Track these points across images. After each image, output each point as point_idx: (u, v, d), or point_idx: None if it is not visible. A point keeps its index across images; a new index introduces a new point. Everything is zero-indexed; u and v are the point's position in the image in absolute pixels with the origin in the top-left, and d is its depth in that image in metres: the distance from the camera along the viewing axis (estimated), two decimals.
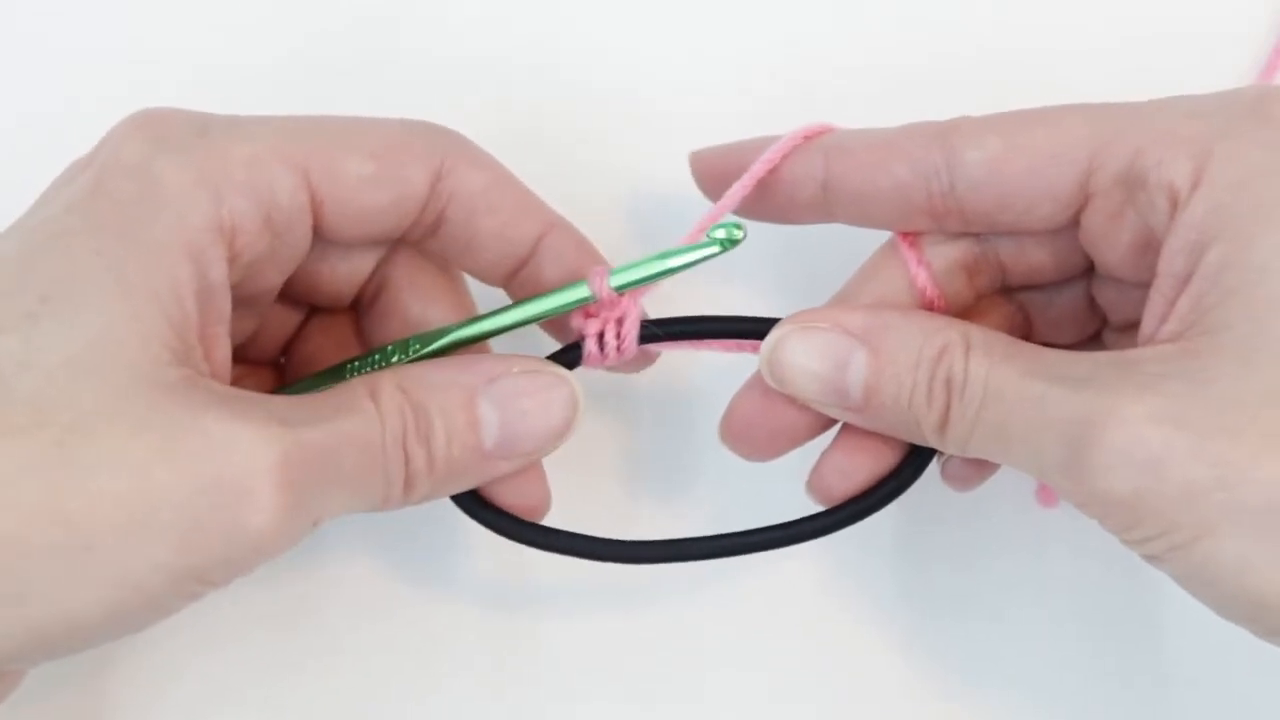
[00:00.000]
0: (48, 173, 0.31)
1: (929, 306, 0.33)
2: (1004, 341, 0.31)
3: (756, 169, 0.33)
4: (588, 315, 0.33)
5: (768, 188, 0.33)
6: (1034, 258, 0.33)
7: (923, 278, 0.33)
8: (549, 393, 0.32)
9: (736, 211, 0.33)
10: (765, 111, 0.38)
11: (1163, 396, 0.27)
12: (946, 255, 0.33)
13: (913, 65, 0.41)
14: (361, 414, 0.30)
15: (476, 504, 0.33)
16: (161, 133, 0.29)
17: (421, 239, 0.33)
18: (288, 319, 0.35)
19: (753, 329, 0.33)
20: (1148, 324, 0.30)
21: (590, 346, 0.33)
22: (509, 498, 0.33)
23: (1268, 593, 0.27)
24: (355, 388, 0.30)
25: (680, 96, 0.40)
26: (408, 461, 0.30)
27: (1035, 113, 0.31)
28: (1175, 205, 0.29)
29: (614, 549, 0.34)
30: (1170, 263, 0.29)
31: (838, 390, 0.32)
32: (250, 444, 0.27)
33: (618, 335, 0.33)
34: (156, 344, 0.28)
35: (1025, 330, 0.35)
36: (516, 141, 0.35)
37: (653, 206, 0.39)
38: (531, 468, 0.33)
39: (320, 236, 0.32)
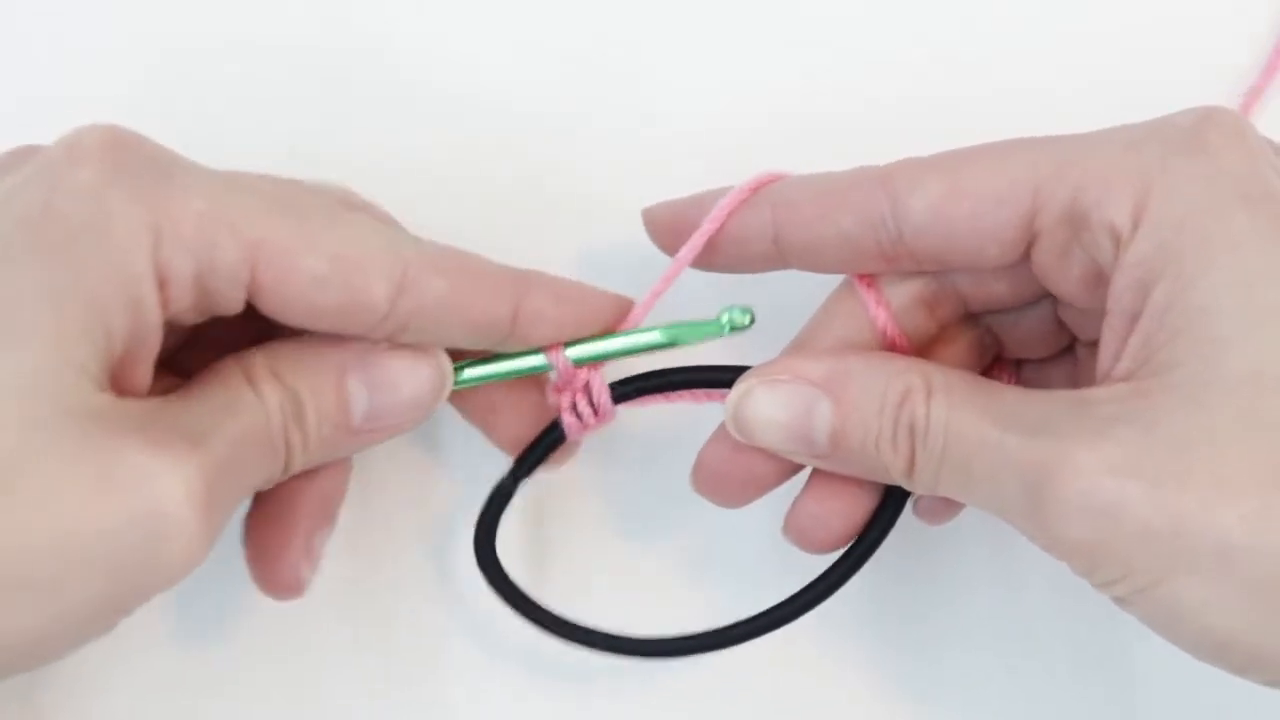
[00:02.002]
0: None
1: (890, 345, 0.33)
2: (965, 384, 0.31)
3: (706, 227, 0.33)
4: (557, 390, 0.34)
5: (720, 243, 0.33)
6: (993, 289, 0.33)
7: (882, 318, 0.33)
8: (416, 368, 0.32)
9: (693, 266, 0.34)
10: (736, 144, 0.39)
11: (1115, 443, 0.27)
12: (905, 293, 0.33)
13: (876, 103, 0.41)
14: (249, 407, 0.30)
15: (503, 581, 0.36)
16: (123, 161, 0.28)
17: (386, 336, 0.32)
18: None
19: (722, 379, 0.34)
20: (1103, 359, 0.30)
21: (568, 420, 0.34)
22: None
23: (1229, 634, 0.27)
24: (232, 374, 0.30)
25: (641, 135, 0.40)
26: (288, 445, 0.31)
27: (976, 152, 0.31)
28: (1119, 244, 0.29)
29: (621, 644, 0.36)
30: (1119, 300, 0.29)
31: (804, 440, 0.32)
32: (170, 473, 0.27)
33: (590, 404, 0.34)
34: (85, 377, 0.27)
35: (996, 350, 0.35)
36: (478, 177, 0.37)
37: (612, 250, 0.39)
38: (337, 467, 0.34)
39: (258, 309, 0.30)
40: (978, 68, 0.41)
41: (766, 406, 0.32)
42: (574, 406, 0.34)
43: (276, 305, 0.30)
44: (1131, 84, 0.41)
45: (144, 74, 0.39)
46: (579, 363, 0.33)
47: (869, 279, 0.33)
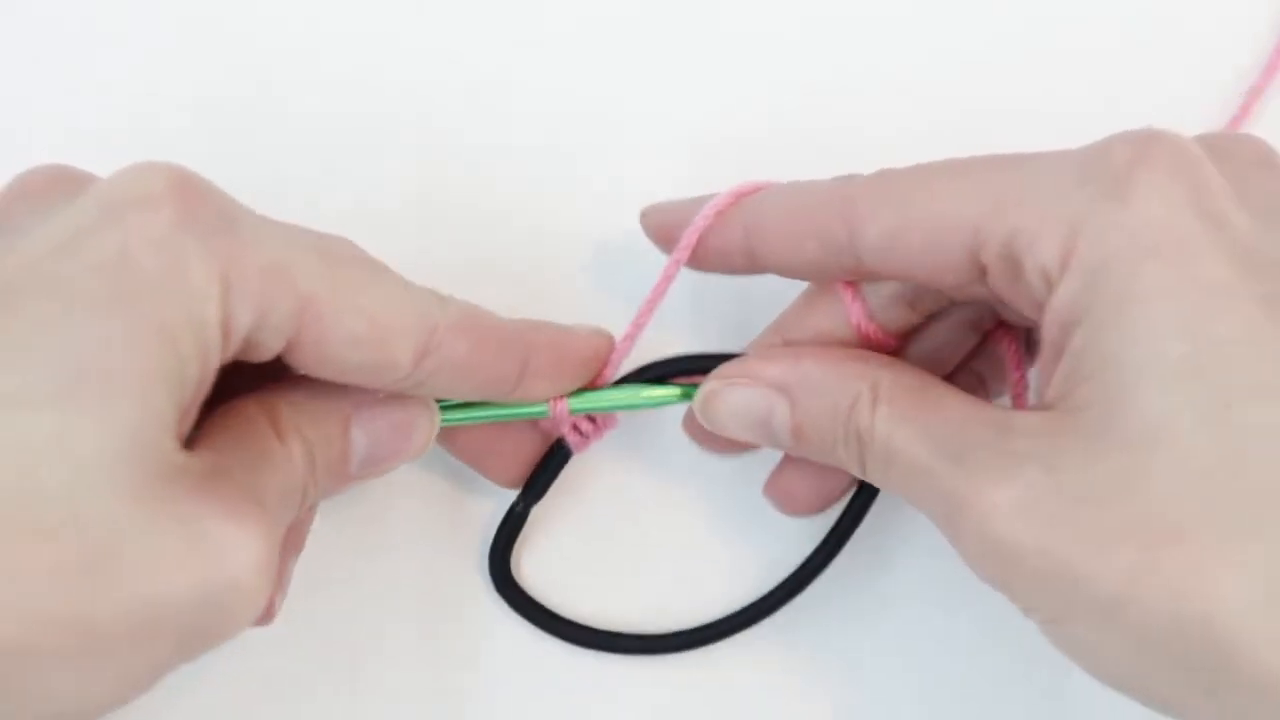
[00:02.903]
0: None
1: (866, 339, 0.34)
2: (912, 392, 0.31)
3: (684, 243, 0.34)
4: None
5: (701, 253, 0.34)
6: (975, 293, 0.32)
7: (857, 314, 0.34)
8: (412, 418, 0.33)
9: (686, 266, 0.35)
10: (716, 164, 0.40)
11: (1019, 485, 0.28)
12: (883, 291, 0.34)
13: (875, 104, 0.41)
14: (284, 463, 0.30)
15: (516, 593, 0.38)
16: (195, 208, 0.28)
17: (397, 391, 0.32)
18: None
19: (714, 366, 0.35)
20: (1040, 380, 0.30)
21: (572, 438, 0.36)
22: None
23: (1125, 678, 0.28)
24: (259, 425, 0.30)
25: (620, 150, 0.41)
26: (304, 494, 0.31)
27: (930, 178, 0.31)
28: (1049, 285, 0.29)
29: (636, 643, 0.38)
30: (1048, 334, 0.29)
31: (768, 436, 0.33)
32: (247, 545, 0.27)
33: (590, 419, 0.36)
34: (166, 433, 0.27)
35: (996, 317, 0.35)
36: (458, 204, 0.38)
37: (604, 265, 0.40)
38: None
39: (283, 358, 0.30)
40: (977, 66, 0.41)
41: (730, 407, 0.33)
42: (575, 427, 0.36)
43: (307, 358, 0.30)
44: (1131, 83, 0.41)
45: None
46: (576, 412, 0.35)
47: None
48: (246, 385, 0.31)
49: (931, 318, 0.35)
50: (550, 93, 0.41)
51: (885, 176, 0.32)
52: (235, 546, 0.27)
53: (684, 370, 0.35)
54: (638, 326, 0.35)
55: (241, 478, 0.29)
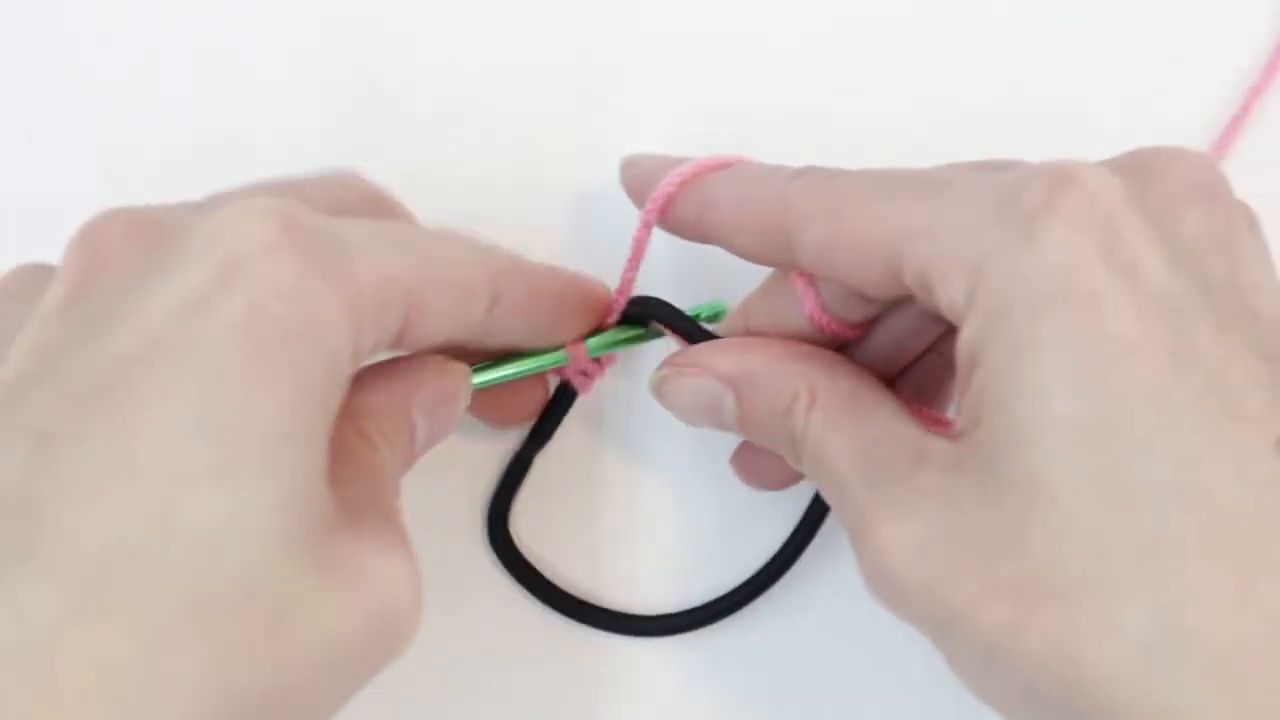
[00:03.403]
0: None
1: (822, 329, 0.33)
2: (845, 399, 0.31)
3: (652, 202, 0.34)
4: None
5: (667, 214, 0.34)
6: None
7: (810, 305, 0.33)
8: (457, 390, 0.33)
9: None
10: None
11: (917, 525, 0.28)
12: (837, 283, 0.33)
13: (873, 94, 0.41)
14: (384, 470, 0.30)
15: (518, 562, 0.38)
16: (307, 245, 0.27)
17: (461, 344, 0.33)
18: None
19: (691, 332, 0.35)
20: (956, 402, 0.30)
21: (577, 380, 0.37)
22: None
23: (1010, 716, 0.28)
24: (353, 440, 0.30)
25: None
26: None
27: (859, 190, 0.30)
28: (958, 318, 0.28)
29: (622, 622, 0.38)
30: (960, 361, 0.29)
31: (719, 423, 0.34)
32: (401, 575, 0.28)
33: (595, 360, 0.36)
34: (322, 482, 0.27)
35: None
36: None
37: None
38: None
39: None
40: (975, 66, 0.41)
41: (680, 394, 0.34)
42: (582, 370, 0.36)
43: (401, 343, 0.30)
44: (1131, 84, 0.40)
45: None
46: (594, 353, 0.36)
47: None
48: None
49: (893, 306, 0.34)
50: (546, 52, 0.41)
51: (823, 183, 0.31)
52: (393, 579, 0.27)
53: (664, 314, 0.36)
54: (629, 276, 0.36)
55: (371, 503, 0.29)
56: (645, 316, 0.36)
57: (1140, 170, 0.29)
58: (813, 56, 0.41)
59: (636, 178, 0.35)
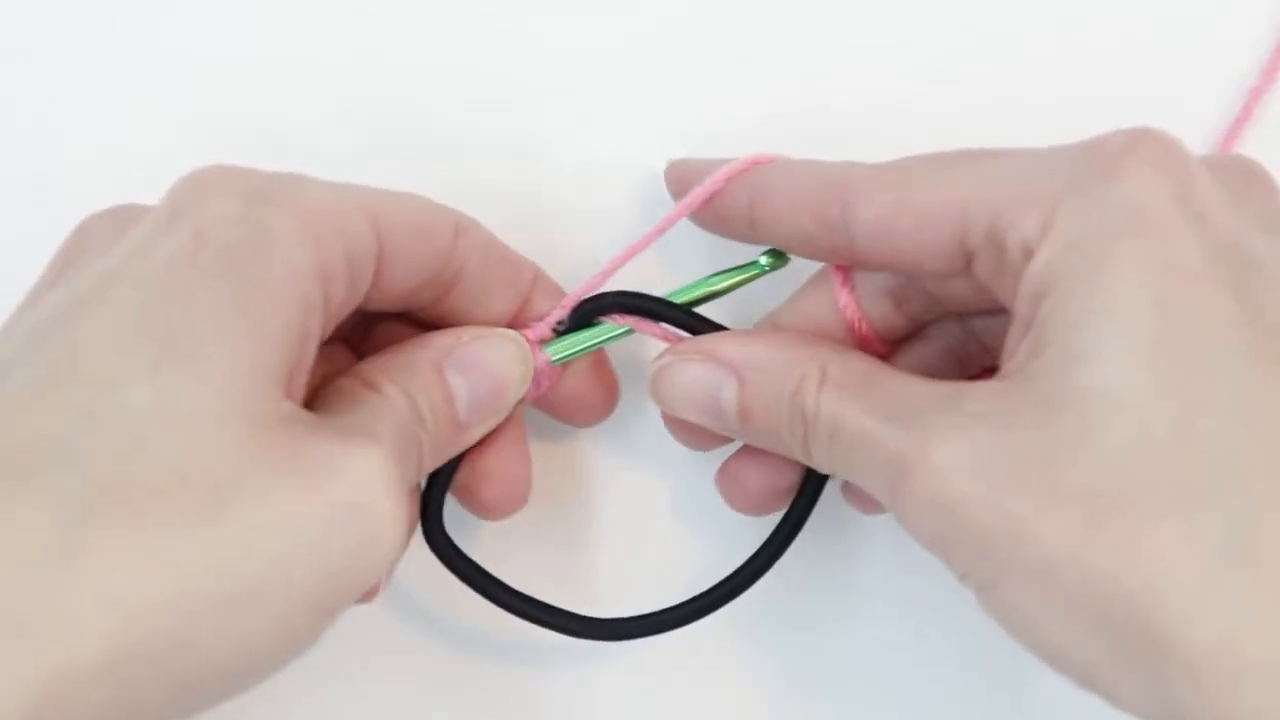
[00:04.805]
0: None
1: (853, 331, 0.34)
2: (859, 375, 0.31)
3: (694, 195, 0.34)
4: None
5: (706, 217, 0.35)
6: (956, 291, 0.33)
7: (844, 301, 0.34)
8: (503, 352, 0.33)
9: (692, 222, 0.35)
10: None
11: (968, 443, 0.28)
12: (874, 282, 0.34)
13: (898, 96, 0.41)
14: (388, 408, 0.31)
15: (460, 559, 0.35)
16: (249, 184, 0.29)
17: (437, 298, 0.34)
18: None
19: (678, 319, 0.35)
20: (1002, 361, 0.30)
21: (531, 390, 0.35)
22: (494, 487, 0.35)
23: (1059, 646, 0.27)
24: (353, 387, 0.31)
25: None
26: (419, 444, 0.31)
27: (925, 165, 0.31)
28: (1028, 257, 0.29)
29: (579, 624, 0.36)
30: (1019, 309, 0.29)
31: (715, 416, 0.33)
32: (365, 462, 0.28)
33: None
34: (274, 386, 0.28)
35: (981, 358, 0.35)
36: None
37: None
38: (514, 449, 0.35)
39: (371, 289, 0.32)
40: (976, 65, 0.41)
41: (679, 383, 0.34)
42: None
43: (391, 270, 0.31)
44: (1131, 84, 0.41)
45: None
46: (566, 356, 0.35)
47: (845, 266, 0.34)
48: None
49: (913, 337, 0.35)
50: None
51: (883, 164, 0.32)
52: (357, 468, 0.27)
53: (627, 307, 0.35)
54: (619, 262, 0.35)
55: (349, 422, 0.30)
56: (633, 309, 0.35)
57: (1203, 158, 0.30)
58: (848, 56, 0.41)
59: (683, 174, 0.36)
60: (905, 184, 0.31)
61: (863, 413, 0.30)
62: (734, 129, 0.40)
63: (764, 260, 0.35)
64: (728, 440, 0.36)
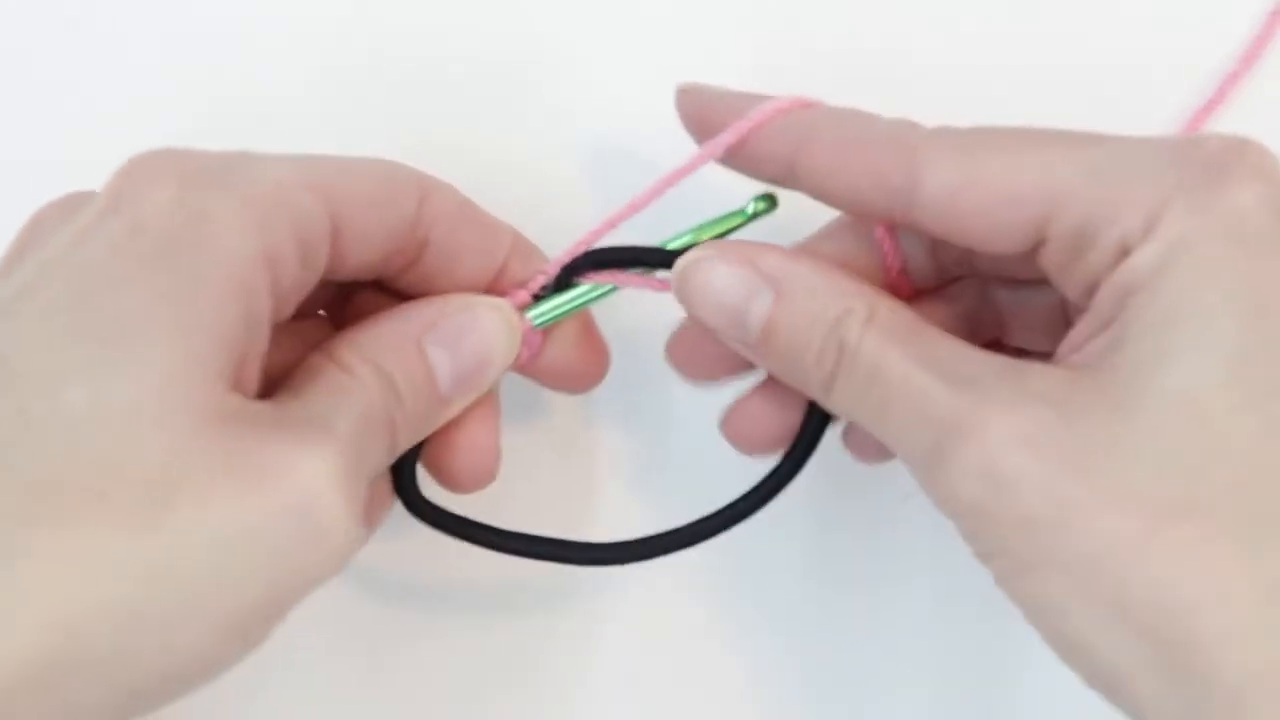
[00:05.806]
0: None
1: (889, 275, 0.33)
2: (908, 322, 0.30)
3: (732, 133, 0.32)
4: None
5: (739, 153, 0.33)
6: (1003, 262, 0.33)
7: (892, 257, 0.33)
8: (487, 323, 0.33)
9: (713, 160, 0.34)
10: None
11: (1030, 420, 0.27)
12: (913, 236, 0.34)
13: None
14: (354, 390, 0.30)
15: (422, 502, 0.35)
16: (190, 168, 0.29)
17: (407, 266, 0.33)
18: None
19: (664, 259, 0.34)
20: (1061, 348, 0.30)
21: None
22: (463, 458, 0.34)
23: (1084, 642, 0.27)
24: (322, 366, 0.30)
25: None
26: (393, 423, 0.31)
27: (998, 140, 0.30)
28: (1124, 254, 0.29)
29: (558, 549, 0.35)
30: (1100, 304, 0.29)
31: (738, 324, 0.32)
32: (310, 460, 0.27)
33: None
34: (217, 381, 0.27)
35: (996, 331, 0.35)
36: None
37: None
38: (483, 422, 0.34)
39: (331, 263, 0.31)
40: (954, 46, 0.41)
41: (710, 281, 0.32)
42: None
43: (349, 244, 0.30)
44: (1113, 68, 0.42)
45: None
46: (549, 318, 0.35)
47: None
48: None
49: (932, 295, 0.34)
50: None
51: (949, 131, 0.31)
52: (303, 467, 0.27)
53: (628, 261, 0.34)
54: (633, 207, 0.34)
55: (305, 412, 0.28)
56: (614, 263, 0.34)
57: None
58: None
59: (703, 106, 0.33)
60: (981, 158, 0.29)
61: (913, 364, 0.29)
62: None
63: (752, 206, 0.34)
64: (727, 373, 0.35)
